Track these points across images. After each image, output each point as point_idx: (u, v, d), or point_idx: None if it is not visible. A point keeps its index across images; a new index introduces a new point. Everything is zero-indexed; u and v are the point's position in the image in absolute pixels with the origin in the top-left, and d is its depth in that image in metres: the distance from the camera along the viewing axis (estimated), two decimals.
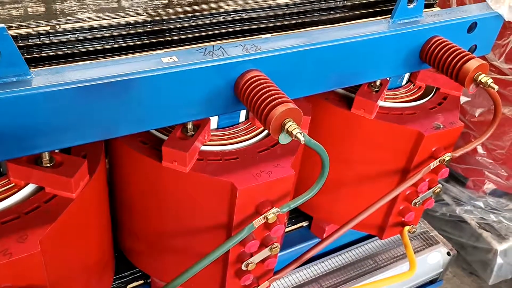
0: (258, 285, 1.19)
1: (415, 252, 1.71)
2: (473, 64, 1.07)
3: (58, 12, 0.94)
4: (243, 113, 1.16)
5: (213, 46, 0.92)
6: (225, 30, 1.04)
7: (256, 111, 0.87)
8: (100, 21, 0.94)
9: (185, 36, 1.00)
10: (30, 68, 0.77)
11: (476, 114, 2.12)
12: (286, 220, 1.50)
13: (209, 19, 1.03)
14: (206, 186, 1.02)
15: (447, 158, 1.25)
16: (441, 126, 1.25)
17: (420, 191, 1.33)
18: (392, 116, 1.27)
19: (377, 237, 1.67)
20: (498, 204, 2.30)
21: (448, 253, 1.82)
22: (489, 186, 2.29)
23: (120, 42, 0.95)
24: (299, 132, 0.83)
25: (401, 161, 1.30)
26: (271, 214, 1.00)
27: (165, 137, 1.05)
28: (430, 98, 1.37)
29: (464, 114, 2.16)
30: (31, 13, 0.93)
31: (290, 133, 0.84)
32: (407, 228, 1.43)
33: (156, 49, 0.98)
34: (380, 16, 1.22)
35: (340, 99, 1.30)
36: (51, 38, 0.89)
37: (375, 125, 1.26)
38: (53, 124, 0.80)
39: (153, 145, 1.05)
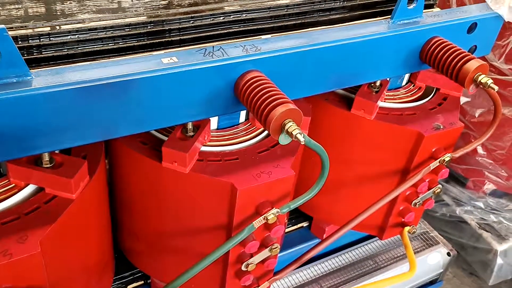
0: (258, 286, 1.19)
1: (415, 253, 1.71)
2: (473, 64, 1.07)
3: (58, 13, 0.94)
4: (243, 114, 1.16)
5: (213, 46, 0.92)
6: (225, 31, 1.04)
7: (256, 112, 0.87)
8: (100, 22, 0.94)
9: (185, 37, 1.00)
10: (30, 69, 0.77)
11: (476, 115, 2.12)
12: (286, 221, 1.50)
13: (209, 19, 1.03)
14: (206, 187, 1.02)
15: (447, 159, 1.25)
16: (441, 127, 1.25)
17: (420, 191, 1.33)
18: (392, 116, 1.27)
19: (377, 238, 1.67)
20: (498, 205, 2.30)
21: (448, 254, 1.82)
22: (489, 187, 2.29)
23: (120, 43, 0.95)
24: (299, 133, 0.83)
25: (401, 162, 1.30)
26: (271, 215, 1.00)
27: (165, 138, 1.05)
28: (430, 98, 1.37)
29: (464, 115, 2.16)
30: (31, 13, 0.93)
31: (290, 134, 0.84)
32: (407, 228, 1.43)
33: (156, 50, 0.98)
34: (380, 16, 1.22)
35: (340, 100, 1.30)
36: (51, 39, 0.89)
37: (375, 125, 1.26)
38: (53, 125, 0.80)
39: (153, 146, 1.05)
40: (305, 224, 1.70)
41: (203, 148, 1.07)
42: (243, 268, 1.10)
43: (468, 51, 1.14)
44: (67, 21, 0.92)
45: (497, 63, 1.88)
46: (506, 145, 2.12)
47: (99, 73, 0.80)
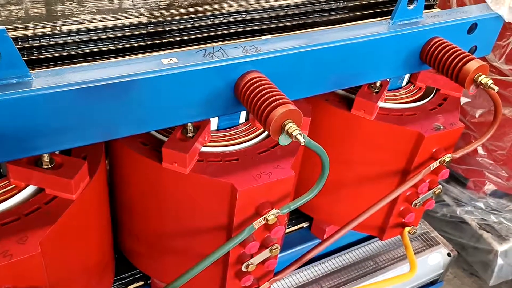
0: (259, 286, 1.19)
1: (415, 253, 1.71)
2: (473, 65, 1.07)
3: (59, 14, 0.94)
4: (243, 114, 1.16)
5: (213, 47, 0.92)
6: (225, 32, 1.04)
7: (256, 112, 0.87)
8: (100, 22, 0.94)
9: (185, 38, 1.01)
10: (30, 70, 0.77)
11: (477, 115, 2.12)
12: (287, 221, 1.50)
13: (209, 20, 1.03)
14: (206, 187, 1.02)
15: (447, 159, 1.25)
16: (441, 127, 1.25)
17: (420, 192, 1.33)
18: (392, 117, 1.27)
19: (377, 238, 1.67)
20: (498, 205, 2.30)
21: (449, 254, 1.82)
22: (489, 187, 2.29)
23: (120, 44, 0.95)
24: (299, 134, 0.83)
25: (401, 162, 1.30)
26: (271, 215, 1.00)
27: (165, 139, 1.05)
28: (430, 99, 1.37)
29: (464, 115, 2.16)
30: (31, 14, 0.93)
31: (290, 135, 0.84)
32: (407, 229, 1.43)
33: (156, 51, 0.98)
34: (380, 17, 1.22)
35: (340, 100, 1.30)
36: (51, 39, 0.89)
37: (375, 126, 1.26)
38: (53, 126, 0.80)
39: (153, 147, 1.05)
40: (305, 224, 1.70)
41: (203, 149, 1.07)
42: (243, 268, 1.10)
43: (469, 52, 1.14)
44: (67, 22, 0.92)
45: (497, 63, 1.88)
46: (507, 145, 2.12)
47: (99, 74, 0.80)
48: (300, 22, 1.13)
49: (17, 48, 0.74)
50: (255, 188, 0.99)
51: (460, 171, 2.34)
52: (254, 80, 0.90)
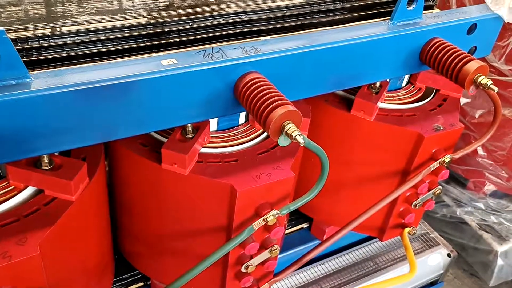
0: (258, 287, 1.19)
1: (415, 254, 1.71)
2: (472, 65, 1.07)
3: (58, 15, 0.94)
4: (242, 115, 1.16)
5: (212, 48, 0.92)
6: (225, 32, 1.04)
7: (256, 113, 0.87)
8: (99, 23, 0.94)
9: (185, 39, 1.00)
10: (29, 71, 0.77)
11: (476, 116, 2.12)
12: (286, 222, 1.50)
13: (209, 21, 1.03)
14: (206, 188, 1.02)
15: (447, 160, 1.25)
16: (441, 128, 1.25)
17: (420, 192, 1.33)
18: (392, 117, 1.27)
19: (377, 239, 1.67)
20: (498, 206, 2.30)
21: (449, 255, 1.82)
22: (489, 188, 2.29)
23: (120, 45, 0.95)
24: (299, 135, 0.83)
25: (401, 163, 1.30)
26: (271, 216, 1.00)
27: (165, 140, 1.05)
28: (430, 99, 1.37)
29: (464, 116, 2.16)
30: (31, 15, 0.93)
31: (289, 135, 0.84)
32: (407, 229, 1.43)
33: (155, 52, 0.98)
34: (380, 18, 1.22)
35: (340, 101, 1.30)
36: (50, 40, 0.89)
37: (375, 126, 1.26)
38: (53, 127, 0.80)
39: (153, 148, 1.05)
40: (305, 225, 1.70)
41: (203, 150, 1.06)
42: (243, 269, 1.10)
43: (468, 52, 1.14)
44: (66, 23, 0.92)
45: (497, 64, 1.88)
46: (507, 146, 2.12)
47: (99, 75, 0.80)
48: (299, 23, 1.13)
49: (17, 49, 0.74)
50: (255, 189, 0.99)
51: (460, 171, 2.34)
52: (254, 81, 0.90)
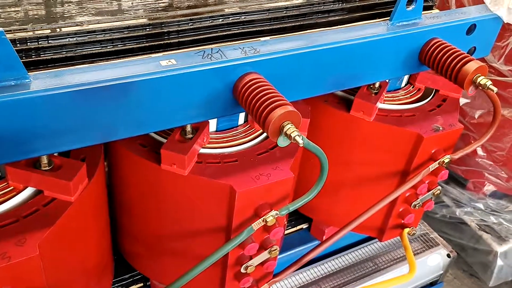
0: None
1: (415, 254, 1.71)
2: (472, 66, 1.07)
3: (58, 16, 0.94)
4: (242, 116, 1.16)
5: (211, 49, 0.92)
6: (224, 33, 1.04)
7: (255, 114, 0.87)
8: (99, 24, 0.94)
9: (184, 39, 1.00)
10: (28, 72, 0.77)
11: (476, 116, 2.12)
12: (286, 223, 1.49)
13: (208, 21, 1.03)
14: (205, 189, 1.02)
15: (446, 160, 1.25)
16: (441, 128, 1.25)
17: (419, 193, 1.33)
18: (392, 118, 1.27)
19: (376, 239, 1.67)
20: (498, 206, 2.30)
21: (448, 255, 1.82)
22: (489, 188, 2.29)
23: (119, 45, 0.95)
24: (298, 135, 0.83)
25: (401, 163, 1.30)
26: (270, 217, 1.00)
27: (164, 140, 1.05)
28: (430, 100, 1.37)
29: (463, 116, 2.16)
30: (30, 16, 0.93)
31: (288, 136, 0.84)
32: (406, 230, 1.43)
33: (155, 52, 0.98)
34: (379, 18, 1.22)
35: (339, 101, 1.30)
36: (49, 41, 0.89)
37: (374, 127, 1.26)
38: (52, 128, 0.80)
39: (152, 148, 1.05)
40: (304, 226, 1.70)
41: (202, 150, 1.06)
42: (242, 270, 1.10)
43: (467, 53, 1.14)
44: (66, 23, 0.92)
45: (496, 64, 1.88)
46: (506, 146, 2.12)
47: (98, 76, 0.80)
48: (299, 23, 1.13)
49: (16, 50, 0.74)
50: (254, 189, 0.99)
51: (459, 172, 2.34)
52: (253, 81, 0.90)
